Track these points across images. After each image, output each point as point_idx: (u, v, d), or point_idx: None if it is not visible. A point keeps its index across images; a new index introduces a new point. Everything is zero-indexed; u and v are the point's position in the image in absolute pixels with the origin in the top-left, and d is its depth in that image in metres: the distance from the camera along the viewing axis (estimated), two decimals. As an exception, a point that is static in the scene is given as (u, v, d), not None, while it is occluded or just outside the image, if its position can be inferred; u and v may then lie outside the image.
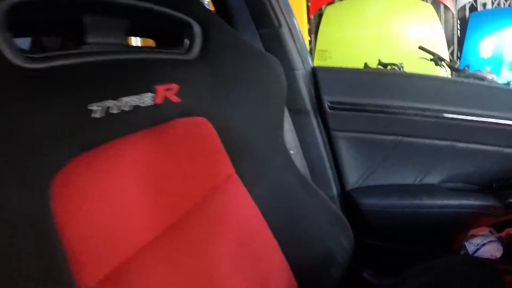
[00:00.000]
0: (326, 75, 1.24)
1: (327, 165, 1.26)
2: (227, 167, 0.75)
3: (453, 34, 3.36)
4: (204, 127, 0.71)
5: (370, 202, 1.23)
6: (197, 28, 0.73)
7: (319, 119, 1.24)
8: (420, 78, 1.27)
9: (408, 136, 1.21)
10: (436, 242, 1.32)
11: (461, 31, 3.36)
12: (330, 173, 1.27)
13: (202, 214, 0.65)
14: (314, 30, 3.30)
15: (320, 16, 3.34)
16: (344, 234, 1.01)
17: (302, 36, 1.27)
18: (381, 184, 1.28)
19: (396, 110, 1.19)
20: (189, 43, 0.73)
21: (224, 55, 0.78)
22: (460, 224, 1.26)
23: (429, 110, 1.17)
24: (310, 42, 3.36)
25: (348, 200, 1.29)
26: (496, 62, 3.16)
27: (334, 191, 1.28)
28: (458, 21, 3.41)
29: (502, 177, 1.25)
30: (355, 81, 1.24)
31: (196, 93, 0.70)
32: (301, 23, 3.27)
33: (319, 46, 3.28)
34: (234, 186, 0.75)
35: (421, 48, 2.43)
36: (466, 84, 1.28)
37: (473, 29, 3.24)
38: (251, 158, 0.81)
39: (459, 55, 3.35)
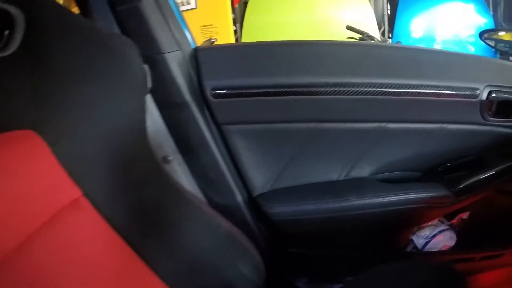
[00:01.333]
0: (209, 56, 0.97)
1: (224, 168, 1.01)
2: (70, 189, 0.63)
3: (383, 15, 3.29)
4: (29, 141, 0.59)
5: (280, 210, 1.00)
6: (18, 16, 0.61)
7: (206, 113, 0.97)
8: (332, 45, 1.03)
9: (323, 121, 0.97)
10: (379, 243, 1.13)
11: (392, 11, 3.29)
12: (229, 177, 1.02)
13: (38, 250, 0.55)
14: (239, 19, 3.09)
15: (245, 4, 3.13)
16: (244, 260, 0.84)
17: (179, 12, 0.99)
18: (297, 185, 1.04)
19: (304, 90, 0.93)
20: (8, 34, 0.61)
21: (54, 45, 0.66)
22: (405, 222, 1.08)
23: (346, 85, 0.92)
24: (235, 32, 3.14)
25: (257, 208, 1.05)
26: (429, 42, 3.09)
27: (239, 198, 1.03)
28: (388, 1, 3.33)
29: (447, 159, 1.06)
30: (245, 59, 0.98)
31: (13, 99, 0.60)
32: (225, 13, 3.04)
33: (245, 36, 3.07)
34: (82, 213, 0.64)
35: (348, 27, 2.30)
36: (394, 49, 1.08)
37: (404, 9, 3.17)
38: (102, 175, 0.68)
39: (390, 35, 3.27)
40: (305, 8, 3.07)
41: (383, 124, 0.97)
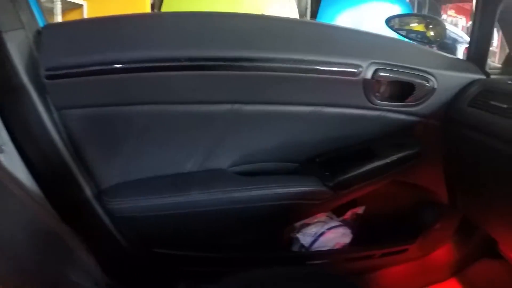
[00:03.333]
0: (53, 34, 0.84)
1: (69, 159, 0.86)
2: None
3: (306, 9, 3.26)
4: None
5: (120, 206, 0.88)
6: None
7: (49, 98, 0.83)
8: (174, 16, 0.91)
9: (166, 103, 0.84)
10: (257, 242, 1.03)
11: (315, 6, 3.28)
12: (75, 169, 0.87)
13: None
14: (158, 5, 2.90)
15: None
16: (71, 263, 0.72)
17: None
18: (144, 178, 0.91)
19: (139, 66, 0.79)
20: None
21: None
22: (274, 219, 0.96)
23: (188, 59, 0.79)
24: (152, 7, 2.95)
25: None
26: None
27: (88, 193, 0.89)
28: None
29: (328, 148, 0.96)
30: (86, 35, 0.84)
31: None
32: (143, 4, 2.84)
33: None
34: None
35: (263, 16, 2.20)
36: (252, 19, 0.92)
37: (327, 5, 3.16)
38: None
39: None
40: (229, 0, 2.96)
41: (236, 106, 0.84)
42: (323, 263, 1.13)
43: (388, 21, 1.50)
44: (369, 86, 0.87)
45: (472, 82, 0.99)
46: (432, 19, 1.40)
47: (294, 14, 2.87)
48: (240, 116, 0.85)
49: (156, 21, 0.87)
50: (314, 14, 3.23)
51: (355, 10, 3.17)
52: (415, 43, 1.37)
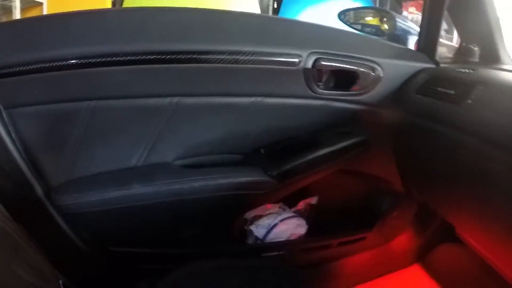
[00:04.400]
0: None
1: (18, 157, 0.85)
2: None
3: (268, 6, 3.28)
4: None
5: (67, 203, 0.87)
6: None
7: None
8: (108, 12, 0.91)
9: (113, 97, 0.83)
10: (211, 236, 1.03)
11: (278, 3, 3.30)
12: (25, 168, 0.86)
13: None
14: (119, 2, 2.85)
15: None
16: (19, 259, 0.69)
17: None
18: (91, 174, 0.90)
19: (73, 63, 0.77)
20: None
21: None
22: (220, 211, 0.96)
23: (117, 54, 0.77)
24: (113, 4, 2.90)
25: None
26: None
27: (38, 191, 0.88)
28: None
29: (272, 139, 0.96)
30: (25, 33, 0.81)
31: None
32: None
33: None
34: None
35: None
36: (191, 12, 0.89)
37: (289, 1, 3.16)
38: None
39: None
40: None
41: (176, 99, 0.83)
42: (280, 254, 1.12)
43: (341, 15, 1.51)
44: (310, 76, 0.87)
45: (420, 71, 1.01)
46: (384, 12, 1.42)
47: (256, 11, 2.87)
48: (181, 109, 0.85)
49: (99, 17, 0.85)
50: (276, 11, 3.23)
51: (318, 7, 3.17)
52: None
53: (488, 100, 0.81)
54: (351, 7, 3.13)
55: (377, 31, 1.51)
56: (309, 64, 0.85)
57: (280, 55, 0.83)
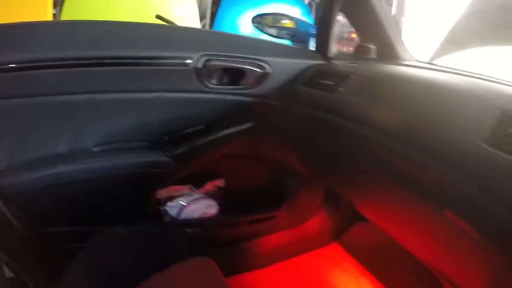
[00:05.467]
0: None
1: None
2: None
3: (206, 9, 3.37)
4: None
5: (6, 184, 0.95)
6: None
7: None
8: (36, 25, 0.99)
9: (42, 95, 0.95)
10: (126, 212, 1.11)
11: (216, 7, 3.38)
12: None
13: None
14: (59, 2, 2.85)
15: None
16: None
17: None
18: (28, 160, 0.99)
19: (18, 66, 0.89)
20: None
21: None
22: (132, 188, 1.08)
23: (48, 60, 0.90)
24: (54, 16, 2.90)
25: None
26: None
27: None
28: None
29: (173, 128, 1.09)
30: None
31: None
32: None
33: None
34: None
35: (158, 17, 2.27)
36: (105, 25, 1.03)
37: (227, 5, 3.27)
38: None
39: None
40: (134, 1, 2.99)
41: (91, 96, 0.96)
42: (194, 232, 1.22)
43: (256, 18, 1.62)
44: (202, 74, 1.01)
45: (310, 67, 1.15)
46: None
47: (194, 14, 2.95)
48: (97, 104, 0.98)
49: (31, 29, 0.95)
50: (214, 15, 3.32)
51: (256, 11, 3.26)
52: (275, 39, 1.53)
53: (357, 87, 0.95)
54: (287, 11, 3.27)
55: (292, 33, 1.63)
56: (200, 64, 1.00)
57: (175, 58, 0.98)
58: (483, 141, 0.64)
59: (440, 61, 1.71)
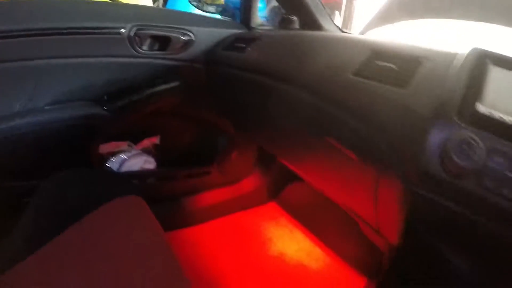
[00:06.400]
0: None
1: None
2: None
3: None
4: None
5: None
6: None
7: None
8: None
9: (3, 61, 1.05)
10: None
11: None
12: None
13: None
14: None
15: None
16: None
17: None
18: None
19: None
20: None
21: None
22: (77, 136, 1.19)
23: (10, 31, 1.01)
24: None
25: None
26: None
27: None
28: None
29: (112, 88, 1.21)
30: None
31: None
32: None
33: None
34: None
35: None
36: (54, 2, 1.15)
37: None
38: None
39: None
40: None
41: (44, 61, 1.08)
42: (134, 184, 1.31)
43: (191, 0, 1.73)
44: (134, 41, 1.15)
45: (232, 35, 1.30)
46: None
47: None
48: (48, 68, 1.09)
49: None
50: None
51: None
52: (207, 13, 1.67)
53: (262, 46, 1.12)
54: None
55: (222, 8, 1.77)
56: (132, 33, 1.14)
57: (111, 28, 1.12)
58: (351, 73, 0.75)
59: (370, 33, 1.82)
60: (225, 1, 1.70)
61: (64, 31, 1.06)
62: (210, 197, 1.60)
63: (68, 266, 0.69)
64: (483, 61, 0.61)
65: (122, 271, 0.69)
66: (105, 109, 1.17)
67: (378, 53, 0.78)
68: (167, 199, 1.46)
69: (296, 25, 1.30)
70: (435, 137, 0.57)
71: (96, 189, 0.89)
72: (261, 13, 1.70)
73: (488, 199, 0.53)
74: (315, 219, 1.63)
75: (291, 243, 1.55)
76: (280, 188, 1.81)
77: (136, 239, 0.78)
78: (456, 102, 0.58)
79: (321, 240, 1.53)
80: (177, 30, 1.22)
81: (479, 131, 0.54)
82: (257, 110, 1.12)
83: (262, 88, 1.02)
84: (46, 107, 1.12)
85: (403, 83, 0.67)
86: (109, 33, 1.12)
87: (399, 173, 0.63)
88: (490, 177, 0.52)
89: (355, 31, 2.16)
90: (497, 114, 0.55)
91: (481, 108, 0.55)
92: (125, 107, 1.19)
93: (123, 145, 1.35)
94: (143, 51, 1.18)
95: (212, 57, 1.25)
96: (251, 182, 1.72)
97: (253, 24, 1.40)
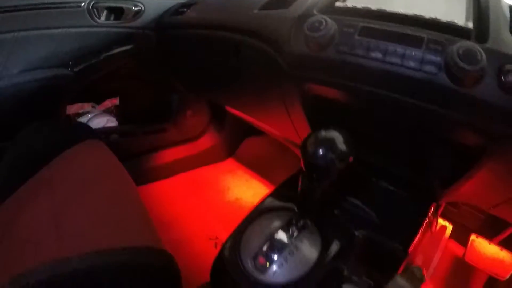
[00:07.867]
0: None
1: None
2: None
3: None
4: None
5: None
6: None
7: None
8: None
9: None
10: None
11: None
12: None
13: None
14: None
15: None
16: None
17: None
18: None
19: None
20: None
21: None
22: (44, 100, 1.31)
23: None
24: None
25: None
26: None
27: None
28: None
29: (78, 55, 1.34)
30: None
31: None
32: None
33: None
34: None
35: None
36: None
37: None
38: None
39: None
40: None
41: (15, 34, 1.20)
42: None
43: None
44: (92, 13, 1.30)
45: (178, 4, 1.43)
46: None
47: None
48: (19, 40, 1.20)
49: None
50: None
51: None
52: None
53: (198, 8, 1.27)
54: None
55: None
56: (91, 6, 1.30)
57: (72, 1, 1.27)
58: (257, 9, 0.95)
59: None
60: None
61: (33, 6, 1.20)
62: (170, 154, 1.73)
63: (39, 205, 0.78)
64: None
65: (90, 208, 0.78)
66: (70, 71, 1.31)
67: None
68: (129, 155, 1.59)
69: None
70: (298, 25, 0.77)
71: (62, 135, 1.02)
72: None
73: (346, 59, 0.69)
74: (268, 167, 1.77)
75: (247, 190, 1.69)
76: (236, 145, 1.96)
77: (101, 174, 0.90)
78: (320, 5, 0.80)
79: (275, 185, 1.72)
80: (129, 1, 1.38)
81: (332, 16, 0.73)
82: (200, 62, 1.27)
83: (202, 39, 1.17)
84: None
85: (287, 5, 0.89)
86: (71, 6, 1.27)
87: (285, 66, 0.81)
88: (344, 43, 0.69)
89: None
90: (351, 4, 0.76)
91: (338, 3, 0.78)
92: (87, 68, 1.34)
93: (88, 106, 1.47)
94: (100, 21, 1.33)
95: (160, 23, 1.40)
96: (207, 139, 1.85)
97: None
